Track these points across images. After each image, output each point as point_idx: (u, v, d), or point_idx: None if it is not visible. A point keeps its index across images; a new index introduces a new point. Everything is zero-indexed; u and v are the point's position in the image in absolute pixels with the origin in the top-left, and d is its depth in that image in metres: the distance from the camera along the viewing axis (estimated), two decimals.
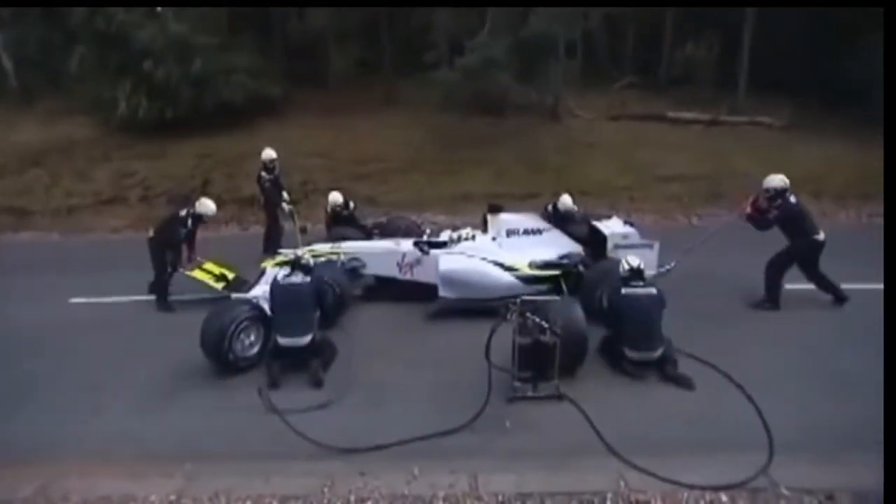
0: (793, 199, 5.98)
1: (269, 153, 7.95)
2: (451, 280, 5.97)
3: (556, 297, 5.38)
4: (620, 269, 5.20)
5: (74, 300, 6.81)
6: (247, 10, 13.64)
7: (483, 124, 12.35)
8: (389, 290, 6.53)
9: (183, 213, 6.61)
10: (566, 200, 7.08)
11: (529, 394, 4.63)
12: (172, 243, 6.50)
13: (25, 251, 9.32)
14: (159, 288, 6.55)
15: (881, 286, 6.10)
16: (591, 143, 12.06)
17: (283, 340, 5.07)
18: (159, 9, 11.94)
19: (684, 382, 4.82)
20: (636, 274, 5.12)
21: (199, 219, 6.67)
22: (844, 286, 6.18)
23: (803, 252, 6.05)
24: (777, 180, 5.98)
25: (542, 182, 10.57)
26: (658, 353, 4.93)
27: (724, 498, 3.69)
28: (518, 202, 9.09)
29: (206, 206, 6.73)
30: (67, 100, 13.24)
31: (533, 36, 11.06)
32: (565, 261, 6.30)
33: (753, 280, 6.34)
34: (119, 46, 11.69)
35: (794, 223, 5.98)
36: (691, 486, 3.75)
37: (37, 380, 5.18)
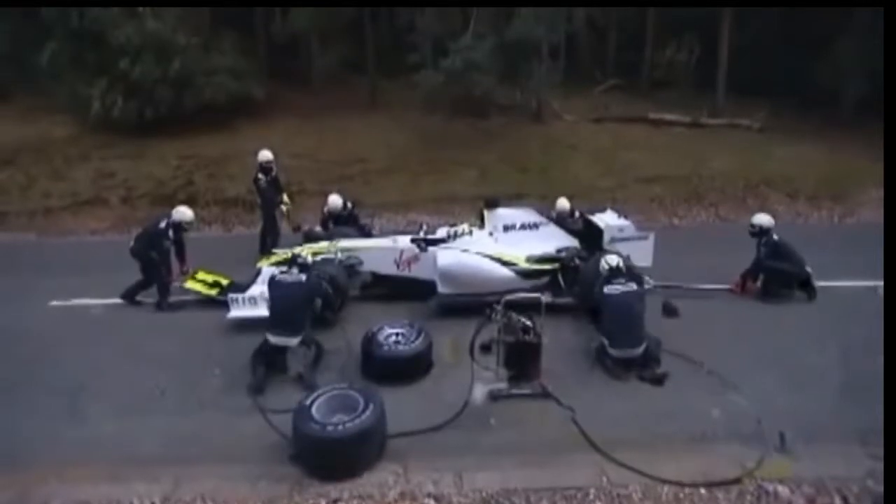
0: (776, 237, 6.42)
1: (265, 154, 7.86)
2: (449, 276, 5.99)
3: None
4: (600, 268, 5.30)
5: (54, 303, 6.69)
6: (229, 10, 13.48)
7: (467, 126, 12.38)
8: (387, 286, 6.51)
9: (163, 224, 6.57)
10: (562, 203, 7.12)
11: (514, 391, 4.69)
12: (160, 256, 6.47)
13: (1, 253, 9.09)
14: (161, 290, 6.52)
15: (851, 283, 6.45)
16: (575, 144, 12.16)
17: (274, 339, 5.06)
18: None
19: (657, 381, 4.91)
20: (616, 272, 5.23)
21: (179, 227, 6.62)
22: (817, 283, 6.42)
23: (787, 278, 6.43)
24: (764, 219, 6.55)
25: (526, 183, 10.65)
26: (640, 349, 5.02)
27: (702, 491, 3.80)
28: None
29: (183, 213, 6.67)
30: (42, 97, 12.93)
31: (516, 38, 11.12)
32: (562, 254, 6.38)
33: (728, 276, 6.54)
34: (94, 43, 11.41)
35: (780, 258, 6.39)
36: (669, 482, 3.85)
37: (16, 384, 5.07)
